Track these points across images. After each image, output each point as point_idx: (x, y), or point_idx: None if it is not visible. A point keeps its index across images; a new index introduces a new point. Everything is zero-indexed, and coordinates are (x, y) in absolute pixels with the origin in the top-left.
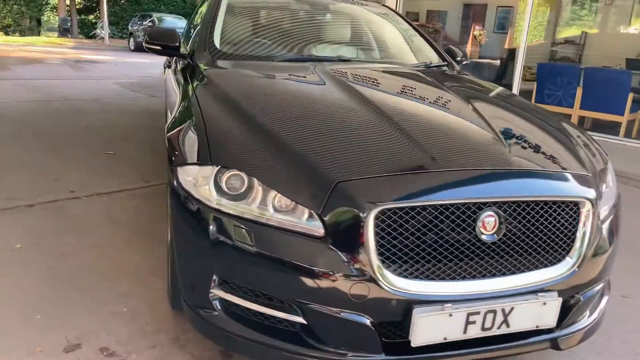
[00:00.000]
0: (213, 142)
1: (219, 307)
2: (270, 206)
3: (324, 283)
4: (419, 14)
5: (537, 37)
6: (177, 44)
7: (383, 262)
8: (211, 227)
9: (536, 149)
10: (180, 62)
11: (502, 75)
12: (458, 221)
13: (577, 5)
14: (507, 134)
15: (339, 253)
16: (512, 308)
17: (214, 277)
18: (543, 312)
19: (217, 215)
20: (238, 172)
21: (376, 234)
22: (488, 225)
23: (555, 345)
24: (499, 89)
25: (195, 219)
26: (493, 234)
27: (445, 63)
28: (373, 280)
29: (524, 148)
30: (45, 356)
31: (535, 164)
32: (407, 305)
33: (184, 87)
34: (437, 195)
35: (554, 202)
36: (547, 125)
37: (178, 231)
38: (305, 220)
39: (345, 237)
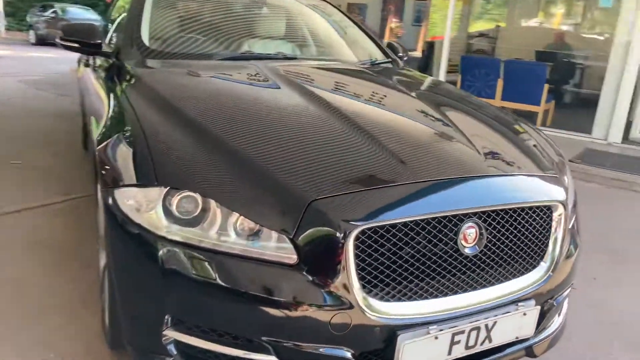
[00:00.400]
0: (158, 159)
1: (174, 352)
2: (231, 231)
3: (300, 317)
4: (340, 6)
5: (453, 30)
6: (99, 41)
7: (364, 286)
8: (161, 258)
9: (508, 153)
10: (102, 60)
11: (425, 67)
12: (440, 235)
13: (490, 0)
14: (477, 139)
15: (316, 281)
16: (495, 322)
17: (167, 316)
18: (523, 323)
19: (167, 245)
20: (191, 193)
21: (356, 256)
22: (469, 237)
23: (530, 352)
24: (454, 87)
25: (141, 249)
26: (474, 245)
27: (390, 59)
28: (355, 307)
29: (497, 153)
30: None
31: (511, 169)
32: (391, 331)
33: (112, 91)
34: (419, 208)
35: (530, 208)
36: (511, 127)
37: (118, 264)
38: (275, 246)
39: (322, 263)
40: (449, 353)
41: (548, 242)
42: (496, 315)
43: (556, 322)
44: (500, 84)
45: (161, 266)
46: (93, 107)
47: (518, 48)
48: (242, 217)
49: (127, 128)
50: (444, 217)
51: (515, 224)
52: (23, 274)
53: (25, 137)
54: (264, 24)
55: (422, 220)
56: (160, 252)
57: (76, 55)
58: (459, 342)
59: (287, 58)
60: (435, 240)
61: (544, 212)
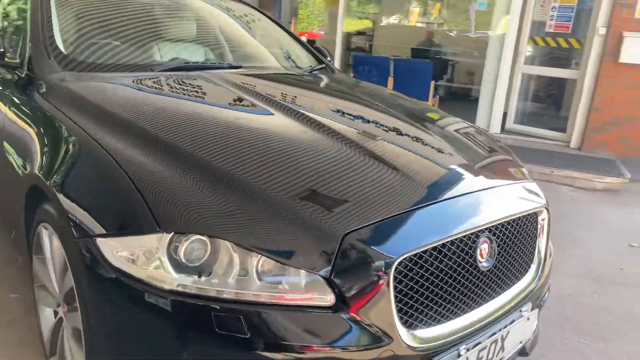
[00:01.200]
0: (151, 198)
1: None
2: (253, 275)
3: None
4: None
5: (333, 28)
6: (1, 50)
7: (401, 317)
8: (176, 318)
9: (495, 165)
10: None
11: None
12: (462, 254)
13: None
14: (466, 153)
15: (358, 320)
16: (508, 332)
17: None
18: (527, 328)
19: (181, 300)
20: (200, 237)
21: (394, 287)
22: (484, 251)
23: (523, 352)
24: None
25: (144, 309)
26: (488, 259)
27: (324, 65)
28: (395, 341)
29: (487, 166)
30: None
31: (504, 180)
32: (426, 358)
33: (39, 114)
34: (447, 229)
35: (525, 215)
36: (483, 137)
37: (111, 327)
38: (306, 288)
39: (363, 299)
40: None
41: (535, 245)
42: (506, 326)
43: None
44: (390, 81)
45: (177, 327)
46: (5, 132)
47: (394, 46)
48: (264, 257)
49: (94, 161)
50: (465, 236)
51: (514, 232)
52: None
53: None
54: (194, 30)
55: (449, 241)
56: (174, 311)
57: None
58: (482, 357)
59: (232, 67)
60: (459, 260)
61: (533, 217)
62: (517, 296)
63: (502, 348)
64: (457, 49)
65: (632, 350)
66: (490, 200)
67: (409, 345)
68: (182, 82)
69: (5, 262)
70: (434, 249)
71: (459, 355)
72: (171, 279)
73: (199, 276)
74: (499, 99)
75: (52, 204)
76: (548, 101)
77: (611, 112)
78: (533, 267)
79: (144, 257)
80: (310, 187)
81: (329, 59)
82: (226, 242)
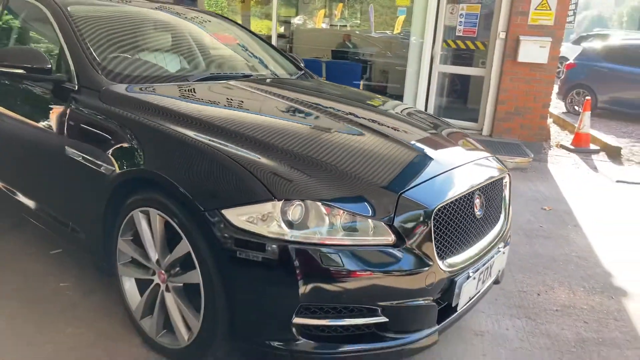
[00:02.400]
0: (263, 177)
1: (300, 335)
2: (339, 226)
3: (406, 281)
4: None
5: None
6: (49, 66)
7: (437, 250)
8: (291, 259)
9: (471, 143)
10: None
11: None
12: (466, 206)
13: (283, 3)
14: (454, 135)
15: (412, 253)
16: (493, 262)
17: (298, 306)
18: (502, 260)
19: (294, 247)
20: (301, 202)
21: (435, 229)
22: (478, 204)
23: (496, 281)
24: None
25: (267, 255)
26: (481, 209)
27: (303, 71)
28: (435, 266)
29: (469, 142)
30: None
31: (484, 154)
32: (452, 279)
33: (115, 118)
34: (459, 189)
35: (498, 179)
36: (443, 122)
37: (238, 272)
38: (375, 232)
39: (414, 238)
40: (476, 288)
41: (502, 200)
42: (492, 257)
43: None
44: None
45: (292, 264)
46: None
47: (315, 48)
48: (346, 213)
49: (199, 154)
50: (467, 194)
51: (492, 190)
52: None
53: None
54: (204, 44)
55: (460, 197)
56: (291, 254)
57: None
58: (481, 280)
59: (244, 76)
60: (465, 210)
61: (501, 180)
62: (497, 235)
63: (490, 273)
64: (373, 50)
65: (557, 277)
66: (477, 169)
67: (442, 269)
68: (224, 89)
69: (43, 256)
70: (453, 202)
71: (468, 277)
72: (286, 233)
73: (303, 229)
74: (420, 95)
75: (161, 191)
76: (461, 96)
77: (514, 104)
78: (502, 215)
79: (261, 219)
80: (370, 164)
81: (302, 65)
82: (318, 204)
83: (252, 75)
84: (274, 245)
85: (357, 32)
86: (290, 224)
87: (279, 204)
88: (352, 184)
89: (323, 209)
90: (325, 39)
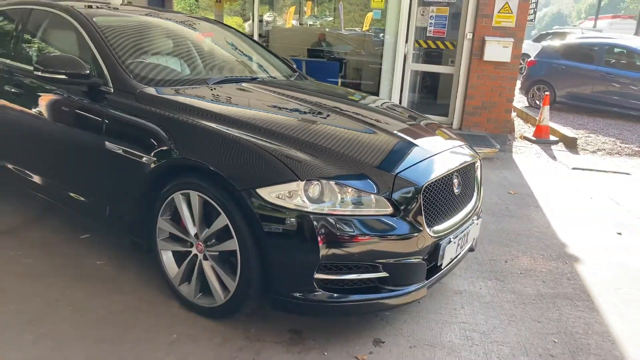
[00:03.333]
0: (286, 161)
1: (319, 287)
2: (348, 200)
3: (402, 243)
4: None
5: None
6: (87, 72)
7: (426, 219)
8: (313, 226)
9: (447, 133)
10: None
11: None
12: (447, 185)
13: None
14: (432, 126)
15: (406, 221)
16: (469, 231)
17: (318, 264)
18: (476, 230)
19: (315, 217)
20: (318, 181)
21: (423, 202)
22: (456, 184)
23: (471, 248)
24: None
25: (293, 223)
26: (459, 187)
27: (297, 72)
28: (424, 232)
29: (445, 133)
30: None
31: (459, 142)
32: (437, 243)
33: (151, 116)
34: (441, 170)
35: (471, 163)
36: (422, 116)
37: (271, 238)
38: (376, 205)
39: (408, 209)
40: (456, 251)
41: (475, 180)
42: (468, 227)
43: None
44: None
45: (313, 231)
46: (122, 132)
47: (291, 47)
48: (353, 190)
49: (235, 144)
50: (448, 175)
51: (467, 172)
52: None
53: None
54: (211, 51)
55: (442, 176)
56: (313, 223)
57: None
58: (460, 245)
59: (252, 78)
60: (446, 188)
61: (474, 164)
62: (471, 209)
63: (467, 240)
64: (347, 49)
65: (521, 248)
66: (455, 155)
67: (430, 235)
68: (239, 90)
69: (74, 240)
70: (437, 181)
71: (449, 241)
72: (307, 206)
73: (320, 203)
74: (395, 92)
75: (201, 176)
76: (431, 92)
77: (481, 99)
78: (475, 193)
79: (287, 195)
80: (371, 151)
81: (294, 66)
82: (332, 183)
83: (258, 78)
84: (298, 216)
85: (328, 30)
86: (311, 199)
87: (302, 183)
88: (358, 167)
89: (335, 187)
90: (301, 38)
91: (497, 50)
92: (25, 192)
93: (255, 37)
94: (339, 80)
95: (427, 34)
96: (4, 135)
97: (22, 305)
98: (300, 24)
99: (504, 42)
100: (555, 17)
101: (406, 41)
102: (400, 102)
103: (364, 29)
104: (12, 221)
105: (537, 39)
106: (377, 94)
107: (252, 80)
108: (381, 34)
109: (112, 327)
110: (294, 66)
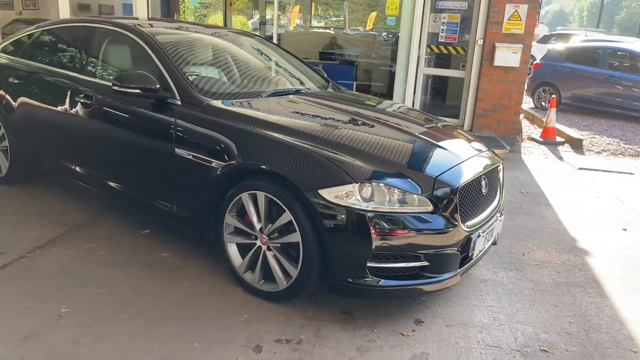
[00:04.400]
0: (343, 166)
1: (371, 274)
2: (395, 199)
3: (440, 237)
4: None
5: None
6: (157, 86)
7: (460, 216)
8: (367, 222)
9: (474, 139)
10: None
11: None
12: (477, 185)
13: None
14: (459, 133)
15: (444, 217)
16: (494, 226)
17: (370, 254)
18: (499, 226)
19: (368, 214)
20: (370, 183)
21: (458, 201)
22: (484, 185)
23: (494, 242)
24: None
25: (350, 219)
26: (486, 188)
27: (330, 83)
28: (459, 226)
29: (470, 138)
30: None
31: (485, 147)
32: (469, 236)
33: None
34: (472, 173)
35: (495, 167)
36: (450, 124)
37: (330, 232)
38: (419, 204)
39: (446, 207)
40: (484, 244)
41: (498, 181)
42: (493, 223)
43: None
44: None
45: (367, 226)
46: (195, 139)
47: (303, 49)
48: (399, 190)
49: (297, 151)
50: (477, 177)
51: (492, 175)
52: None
53: None
54: (258, 65)
55: (473, 179)
56: (366, 219)
57: None
58: (487, 238)
59: (298, 91)
60: (476, 189)
61: (497, 167)
62: (495, 207)
63: (492, 234)
64: (358, 51)
65: (536, 243)
66: (483, 160)
67: (463, 229)
68: (289, 102)
69: (136, 235)
70: (469, 183)
71: (479, 235)
72: (361, 204)
73: (372, 202)
74: (408, 94)
75: (267, 178)
76: (440, 94)
77: (491, 102)
78: (498, 192)
79: (345, 195)
80: (415, 157)
81: (325, 75)
82: (381, 185)
83: (301, 90)
84: (353, 213)
85: (332, 29)
86: (364, 198)
87: (357, 185)
88: (403, 171)
89: (384, 188)
90: (312, 41)
91: (506, 56)
92: (88, 191)
93: (274, 41)
94: (354, 83)
95: (439, 40)
96: (70, 139)
97: (110, 290)
98: (304, 22)
99: (514, 48)
100: (557, 15)
101: (419, 46)
102: (412, 105)
103: (367, 29)
104: (79, 217)
105: (542, 40)
106: (388, 95)
107: (297, 92)
108: (384, 33)
109: (191, 308)
110: (326, 75)
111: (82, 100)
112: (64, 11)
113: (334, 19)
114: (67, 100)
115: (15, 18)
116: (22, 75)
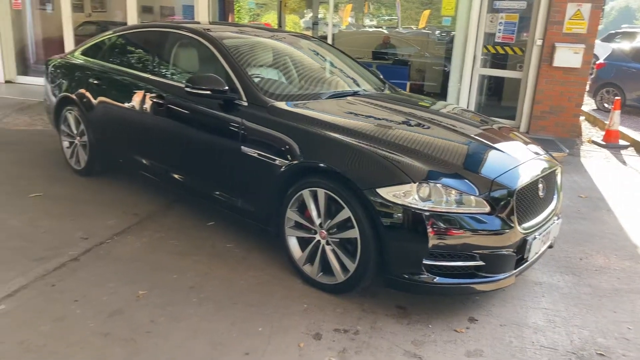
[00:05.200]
0: (401, 167)
1: (427, 271)
2: (452, 200)
3: (496, 238)
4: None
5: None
6: (226, 88)
7: (517, 217)
8: (424, 221)
9: (531, 141)
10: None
11: None
12: (534, 189)
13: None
14: (514, 134)
15: (501, 219)
16: (551, 229)
17: (427, 251)
18: (556, 229)
19: (426, 213)
20: (428, 184)
21: (515, 203)
22: (541, 187)
23: (551, 245)
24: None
25: (407, 218)
26: (543, 191)
27: (386, 84)
28: (515, 228)
29: (527, 140)
30: None
31: (543, 150)
32: (524, 238)
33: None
34: (530, 176)
35: (552, 170)
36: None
37: (388, 229)
38: (475, 205)
39: (503, 209)
40: (540, 247)
41: (556, 184)
42: (550, 226)
43: None
44: None
45: (424, 225)
46: (256, 136)
47: (356, 49)
48: (456, 191)
49: (358, 152)
50: (535, 180)
51: (550, 178)
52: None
53: (16, 169)
54: (318, 67)
55: (530, 182)
56: (424, 218)
57: None
58: (543, 241)
59: (355, 93)
60: (533, 191)
61: (555, 170)
62: (552, 210)
63: (548, 237)
64: (411, 51)
65: (595, 248)
66: (540, 162)
67: (520, 231)
68: (348, 104)
69: (202, 227)
70: (526, 185)
71: (535, 238)
72: (419, 204)
73: (429, 202)
74: (463, 95)
75: (328, 176)
76: (495, 95)
77: (549, 104)
78: (556, 196)
79: (403, 195)
80: (472, 159)
81: (381, 77)
82: (439, 185)
83: (359, 92)
84: (411, 212)
85: (385, 28)
86: (422, 198)
87: (415, 185)
88: (460, 172)
89: (442, 189)
90: (365, 40)
91: (567, 56)
92: (157, 184)
93: (329, 42)
94: (408, 83)
95: (496, 40)
96: (143, 135)
97: (181, 276)
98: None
99: (575, 48)
100: (623, 12)
101: (475, 47)
102: (467, 106)
103: (419, 27)
104: (149, 208)
105: (606, 39)
106: (441, 95)
107: (355, 94)
108: (438, 32)
109: (255, 295)
110: (381, 77)
111: (154, 100)
112: (131, 13)
113: (386, 17)
114: (141, 99)
115: (85, 20)
116: (101, 76)
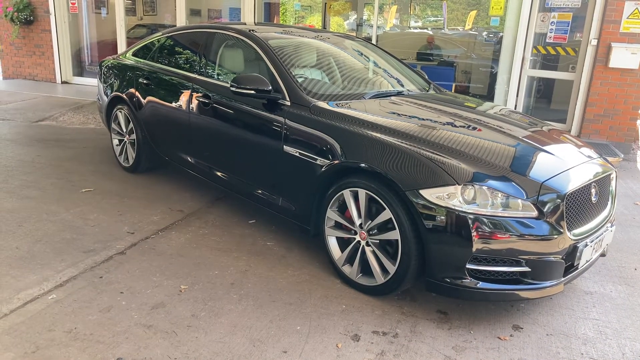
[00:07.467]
0: (445, 167)
1: (469, 275)
2: (498, 203)
3: (544, 243)
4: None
5: None
6: (270, 88)
7: (567, 223)
8: (468, 223)
9: (583, 144)
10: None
11: None
12: (585, 193)
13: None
14: (566, 137)
15: (549, 224)
16: (603, 237)
17: (470, 256)
18: (609, 236)
19: (469, 216)
20: (473, 186)
21: (565, 208)
22: (593, 192)
23: (603, 254)
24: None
25: (451, 220)
26: (596, 196)
27: (430, 84)
28: (564, 234)
29: (579, 143)
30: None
31: (596, 154)
32: (575, 244)
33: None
34: (581, 180)
35: (607, 175)
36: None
37: (430, 232)
38: (522, 208)
39: (551, 214)
40: (591, 254)
41: (610, 190)
42: (602, 233)
43: None
44: None
45: (468, 228)
46: (300, 137)
47: (400, 50)
48: (502, 194)
49: (401, 152)
50: (587, 184)
51: (603, 183)
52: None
53: (68, 165)
54: (361, 67)
55: (582, 186)
56: (468, 221)
57: None
58: (595, 249)
59: (399, 93)
60: (585, 196)
61: (609, 175)
62: (606, 217)
63: (600, 245)
64: (456, 52)
65: None
66: (593, 166)
67: (569, 237)
68: (391, 104)
69: (244, 224)
70: (577, 190)
71: (586, 245)
72: (463, 206)
73: (474, 204)
74: (510, 97)
75: (369, 177)
76: (544, 97)
77: (603, 106)
78: (609, 202)
79: (446, 197)
80: (519, 161)
81: (426, 77)
82: (485, 188)
83: (403, 92)
84: (455, 215)
85: (431, 30)
86: (466, 200)
87: (459, 187)
88: (508, 175)
89: (487, 191)
90: (409, 41)
91: (624, 57)
92: (201, 181)
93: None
94: (453, 84)
95: (547, 40)
96: (188, 134)
97: (222, 272)
98: (401, 22)
99: (633, 49)
100: None
101: (524, 47)
102: (515, 108)
103: (466, 28)
104: (194, 205)
105: None
106: (488, 97)
107: (398, 94)
108: (485, 33)
109: (294, 294)
110: (426, 77)
111: (200, 99)
112: (180, 16)
113: (432, 18)
114: (187, 99)
115: (137, 23)
116: (150, 76)
